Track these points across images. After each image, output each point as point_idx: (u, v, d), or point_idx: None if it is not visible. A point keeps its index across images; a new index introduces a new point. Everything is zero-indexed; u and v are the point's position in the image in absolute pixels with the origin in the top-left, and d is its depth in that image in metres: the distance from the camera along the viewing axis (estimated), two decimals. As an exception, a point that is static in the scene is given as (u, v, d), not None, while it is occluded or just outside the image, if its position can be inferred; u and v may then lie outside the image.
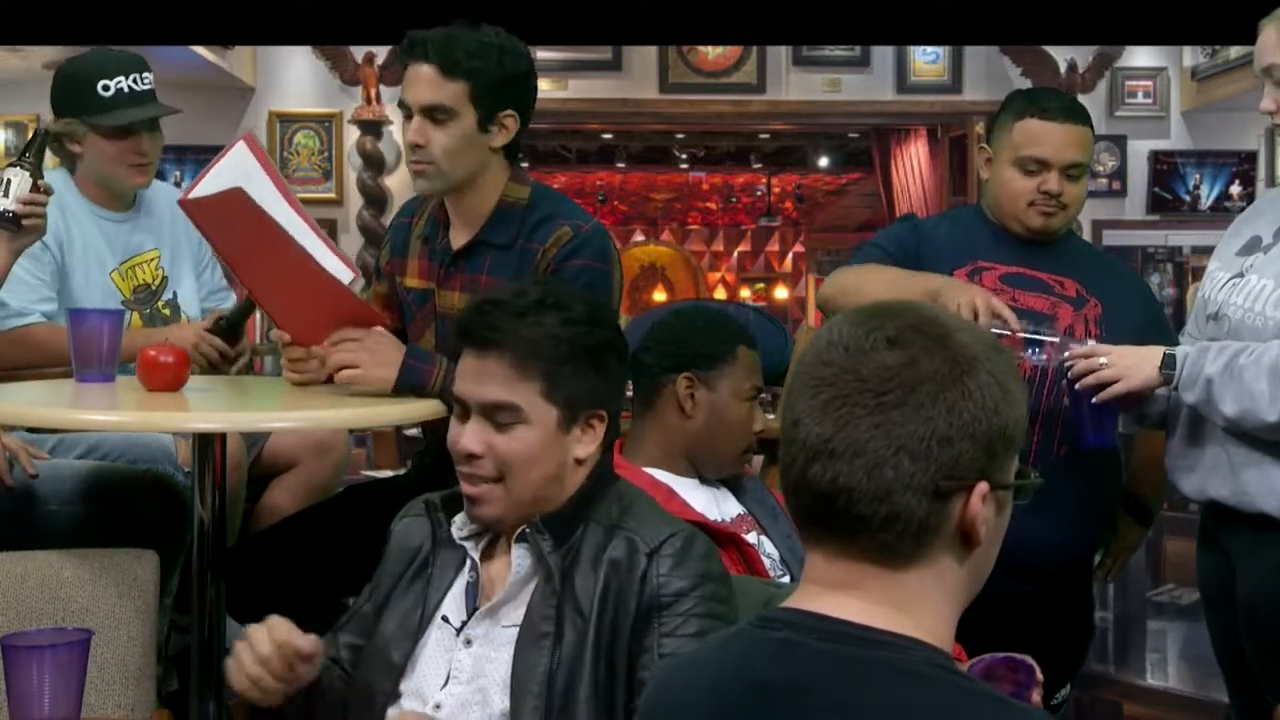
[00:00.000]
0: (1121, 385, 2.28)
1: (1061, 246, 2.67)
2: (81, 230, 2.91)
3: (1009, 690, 1.48)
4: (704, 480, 2.39)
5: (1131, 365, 2.28)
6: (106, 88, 2.85)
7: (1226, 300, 2.30)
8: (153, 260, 3.00)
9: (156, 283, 3.00)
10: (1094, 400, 2.31)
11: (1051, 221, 2.61)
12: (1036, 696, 1.50)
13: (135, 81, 2.86)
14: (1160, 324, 2.68)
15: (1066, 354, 2.35)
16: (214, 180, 2.39)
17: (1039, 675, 1.51)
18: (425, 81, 2.37)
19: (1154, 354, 2.28)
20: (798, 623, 1.18)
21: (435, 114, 2.37)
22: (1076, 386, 2.32)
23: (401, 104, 2.43)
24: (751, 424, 2.40)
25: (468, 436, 1.76)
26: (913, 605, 1.17)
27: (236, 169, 2.44)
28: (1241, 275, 2.31)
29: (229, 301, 3.08)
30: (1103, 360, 2.30)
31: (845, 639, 1.15)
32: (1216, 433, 2.28)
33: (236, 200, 2.25)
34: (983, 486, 1.16)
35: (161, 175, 5.94)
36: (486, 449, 1.75)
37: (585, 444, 1.80)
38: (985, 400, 1.15)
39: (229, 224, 2.32)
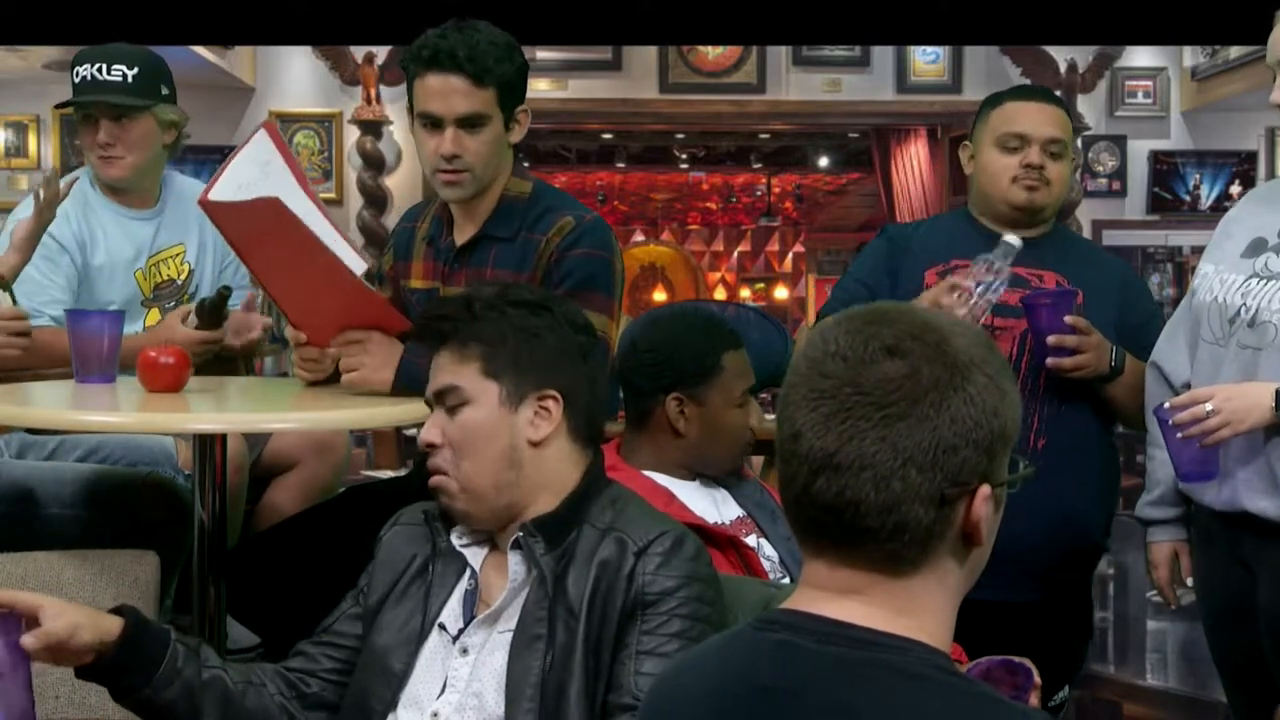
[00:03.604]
0: (1228, 430, 2.20)
1: (1045, 241, 2.67)
2: (104, 230, 2.91)
3: (1007, 693, 1.48)
4: (704, 482, 2.38)
5: (1239, 409, 2.19)
6: (76, 75, 2.87)
7: (1265, 306, 2.25)
8: (178, 255, 3.00)
9: (182, 277, 3.00)
10: (1199, 445, 2.22)
11: (1036, 196, 2.62)
12: (1035, 699, 1.50)
13: (100, 70, 2.85)
14: (1143, 311, 2.68)
15: (996, 279, 2.41)
16: (235, 173, 2.37)
17: (1037, 679, 1.51)
18: (458, 92, 2.35)
19: (1262, 393, 2.19)
20: (797, 624, 1.18)
21: (470, 123, 2.37)
22: (1180, 435, 2.24)
23: (425, 115, 2.39)
24: (747, 425, 2.38)
25: (426, 428, 1.80)
26: (916, 609, 1.18)
27: (257, 159, 2.42)
28: (1259, 277, 2.28)
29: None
30: (1208, 407, 2.20)
31: (844, 641, 1.15)
32: (1249, 442, 2.23)
33: (270, 208, 2.22)
34: (985, 489, 1.16)
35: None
36: (442, 436, 1.78)
37: (539, 426, 1.79)
38: (985, 404, 1.16)
39: (254, 226, 2.31)
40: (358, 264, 2.50)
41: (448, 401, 1.78)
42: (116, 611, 1.71)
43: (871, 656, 1.14)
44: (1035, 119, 2.63)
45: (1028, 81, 7.28)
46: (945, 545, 1.17)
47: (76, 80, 2.87)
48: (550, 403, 1.79)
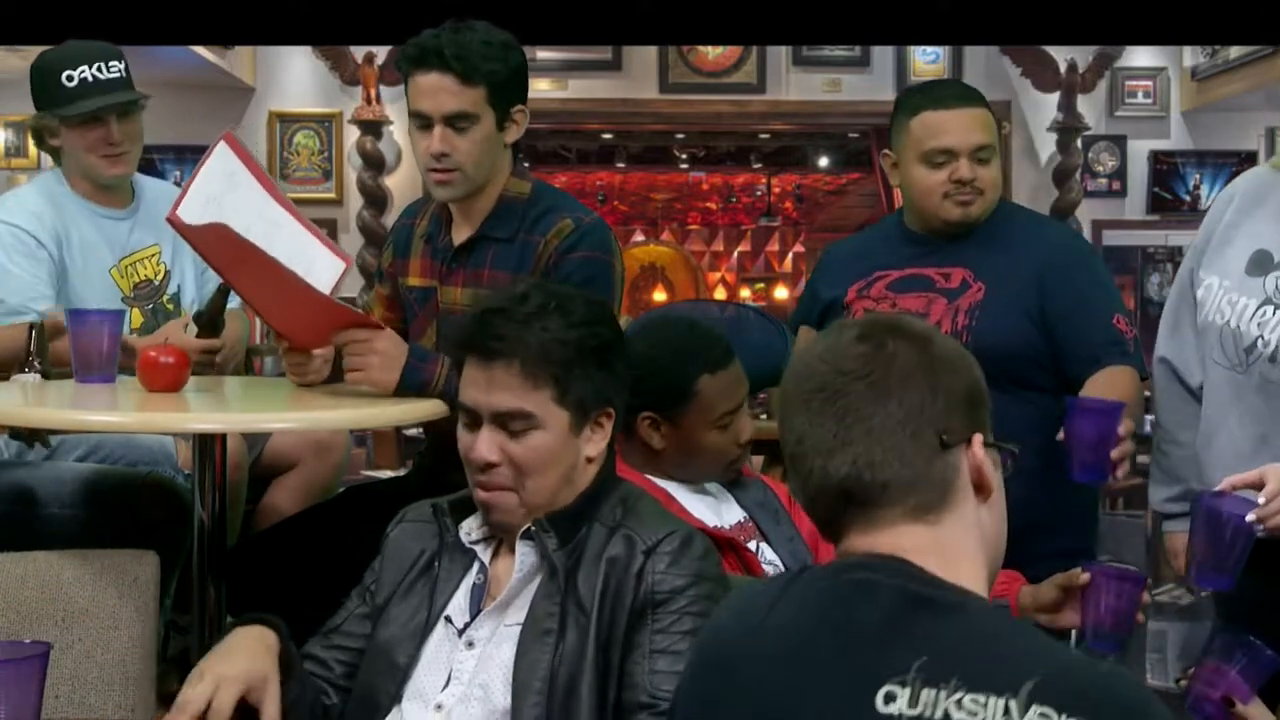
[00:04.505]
0: None
1: (972, 235, 2.56)
2: (79, 229, 2.91)
3: (1111, 600, 1.84)
4: (705, 486, 2.36)
5: None
6: (70, 78, 2.84)
7: None
8: (154, 255, 3.00)
9: (159, 278, 3.00)
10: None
11: (970, 210, 2.53)
12: (1146, 596, 1.88)
13: (100, 70, 2.85)
14: (1072, 294, 2.51)
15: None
16: (200, 188, 2.38)
17: (1145, 594, 1.88)
18: (445, 91, 2.36)
19: None
20: (871, 564, 1.30)
21: (458, 121, 2.38)
22: (1263, 529, 1.95)
23: (416, 114, 2.40)
24: (733, 443, 2.31)
25: (484, 446, 1.75)
26: (953, 555, 1.32)
27: (221, 172, 2.43)
28: (1274, 304, 2.20)
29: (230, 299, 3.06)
30: None
31: (916, 580, 1.28)
32: None
33: (220, 234, 2.25)
34: (978, 436, 1.35)
35: (161, 175, 5.95)
36: (502, 456, 1.75)
37: (596, 442, 1.81)
38: (953, 362, 1.36)
39: (217, 246, 2.32)
40: (336, 263, 2.51)
41: (513, 425, 1.75)
42: (260, 620, 1.73)
43: (940, 595, 1.27)
44: (958, 128, 2.51)
45: (1028, 82, 7.30)
46: (963, 494, 1.34)
47: (73, 84, 2.84)
48: (605, 419, 1.81)
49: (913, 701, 1.20)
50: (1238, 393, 2.25)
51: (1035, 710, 1.17)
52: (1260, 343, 2.21)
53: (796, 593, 1.34)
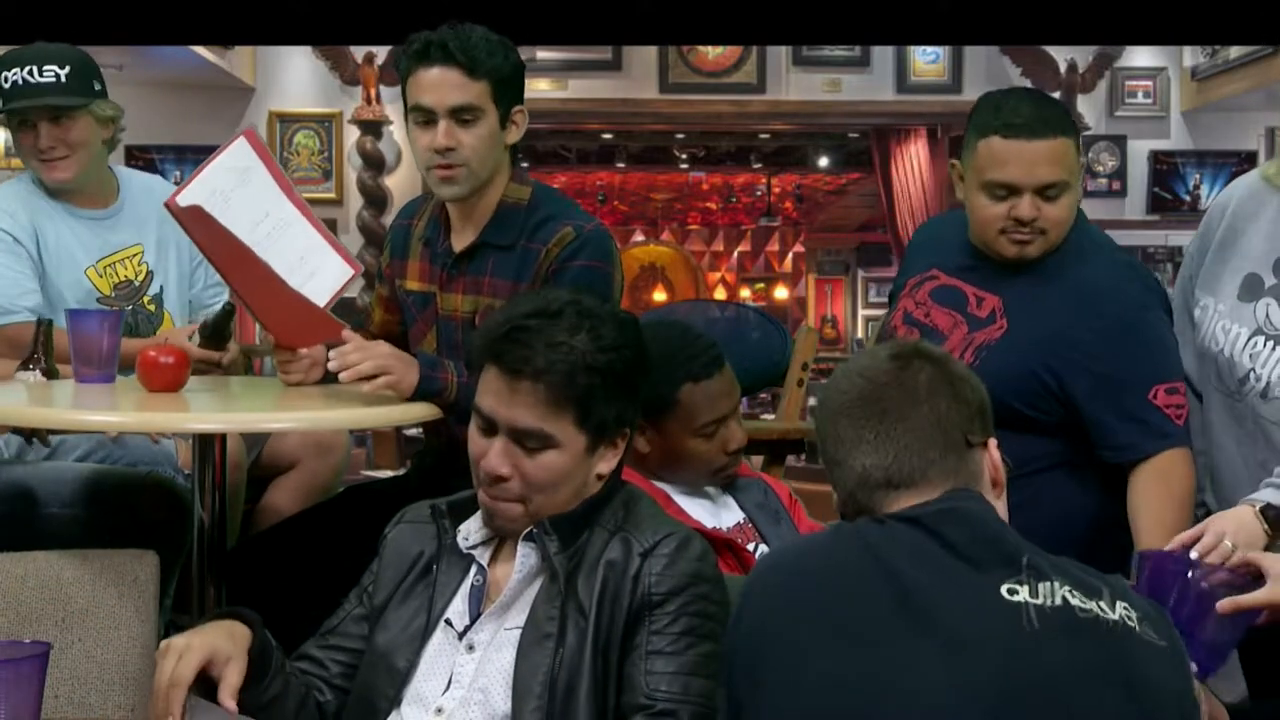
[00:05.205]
0: (1238, 558, 1.85)
1: (1034, 262, 2.36)
2: (54, 228, 2.87)
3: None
4: (704, 490, 2.36)
5: (1241, 539, 1.89)
6: (6, 79, 2.81)
7: (1278, 381, 2.12)
8: (135, 255, 2.95)
9: (140, 278, 2.95)
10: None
11: (1027, 250, 2.32)
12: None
13: (32, 74, 2.79)
14: (1101, 374, 2.29)
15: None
16: (209, 177, 2.37)
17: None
18: (451, 84, 2.36)
19: (1244, 515, 1.96)
20: (954, 495, 1.51)
21: (463, 115, 2.37)
22: (1206, 583, 1.83)
23: (417, 108, 2.39)
24: (719, 451, 2.30)
25: (496, 459, 1.74)
26: None
27: (234, 166, 2.42)
28: (1266, 335, 2.16)
29: (223, 296, 2.99)
30: (1228, 544, 1.86)
31: (989, 504, 1.55)
32: None
33: (197, 216, 2.26)
34: (992, 440, 1.59)
35: (162, 175, 5.95)
36: (514, 471, 1.74)
37: (609, 460, 1.80)
38: (967, 379, 1.60)
39: (204, 232, 2.33)
40: (344, 269, 2.49)
41: (529, 443, 1.73)
42: (232, 614, 1.71)
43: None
44: (1025, 163, 2.26)
45: (1027, 82, 7.29)
46: (984, 487, 1.56)
47: (7, 86, 2.80)
48: (620, 439, 1.81)
49: (1034, 593, 1.41)
50: (1236, 419, 2.23)
51: (1120, 605, 1.43)
52: (1253, 376, 2.19)
53: (866, 532, 1.50)
